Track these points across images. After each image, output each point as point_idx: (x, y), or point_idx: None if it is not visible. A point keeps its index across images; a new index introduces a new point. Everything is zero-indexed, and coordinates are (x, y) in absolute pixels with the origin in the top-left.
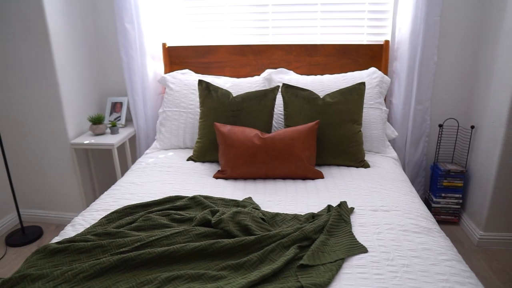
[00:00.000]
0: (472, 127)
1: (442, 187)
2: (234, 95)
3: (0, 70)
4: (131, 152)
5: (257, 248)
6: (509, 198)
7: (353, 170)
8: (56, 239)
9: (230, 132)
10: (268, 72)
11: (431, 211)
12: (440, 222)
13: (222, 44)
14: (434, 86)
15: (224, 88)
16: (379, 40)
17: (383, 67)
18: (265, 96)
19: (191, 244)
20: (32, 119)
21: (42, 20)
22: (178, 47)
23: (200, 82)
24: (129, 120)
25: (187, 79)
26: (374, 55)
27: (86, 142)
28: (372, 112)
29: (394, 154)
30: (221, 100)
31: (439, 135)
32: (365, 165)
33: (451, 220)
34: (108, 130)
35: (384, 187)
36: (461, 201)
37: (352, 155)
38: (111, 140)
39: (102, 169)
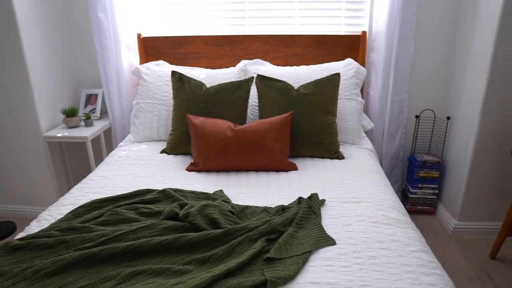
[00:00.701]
0: (448, 118)
1: (418, 177)
2: (208, 86)
3: None
4: (106, 144)
5: (224, 241)
6: (482, 189)
7: (327, 161)
8: (20, 235)
9: (202, 124)
10: (243, 63)
11: (408, 202)
12: (416, 212)
13: (198, 34)
14: (411, 78)
15: (199, 79)
16: (356, 31)
17: (360, 58)
18: (239, 88)
19: (157, 239)
20: (3, 111)
21: (10, 8)
22: (154, 38)
23: (173, 73)
24: (104, 112)
25: (161, 70)
26: (352, 46)
27: (59, 135)
28: (347, 103)
29: (369, 145)
30: (194, 91)
31: (416, 126)
32: (340, 157)
33: (428, 211)
34: (83, 123)
35: (358, 178)
36: (437, 191)
37: (326, 146)
38: (85, 133)
39: (77, 162)
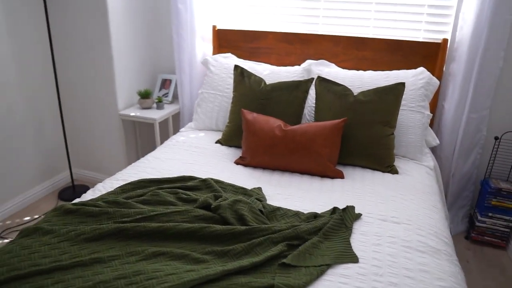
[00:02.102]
0: None
1: (490, 205)
2: (270, 83)
3: (63, 41)
4: (173, 128)
5: (245, 238)
6: None
7: (378, 174)
8: (77, 200)
9: (254, 120)
10: (308, 62)
11: (474, 230)
12: (484, 243)
13: (270, 30)
14: (495, 94)
15: (262, 75)
16: (437, 38)
17: (438, 68)
18: (297, 88)
19: (184, 225)
20: (88, 87)
21: None
22: (228, 31)
23: (236, 67)
24: (176, 97)
25: (227, 63)
26: (429, 54)
27: (132, 114)
28: (412, 115)
29: (431, 163)
30: (252, 87)
31: (495, 149)
32: (393, 171)
33: (498, 244)
34: (155, 105)
35: (405, 197)
36: (511, 224)
37: (379, 158)
38: (155, 115)
39: (147, 140)
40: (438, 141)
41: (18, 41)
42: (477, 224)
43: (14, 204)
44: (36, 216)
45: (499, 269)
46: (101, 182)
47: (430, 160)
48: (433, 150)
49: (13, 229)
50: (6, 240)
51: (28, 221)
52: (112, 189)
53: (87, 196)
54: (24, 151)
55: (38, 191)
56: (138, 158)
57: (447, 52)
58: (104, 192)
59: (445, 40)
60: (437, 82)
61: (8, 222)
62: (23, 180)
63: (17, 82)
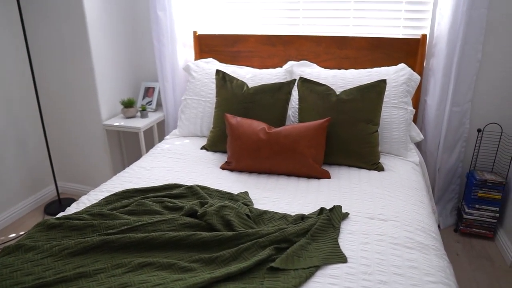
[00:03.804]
0: None
1: (476, 197)
2: (253, 86)
3: (43, 50)
4: (159, 136)
5: (233, 244)
6: None
7: (364, 172)
8: (61, 214)
9: (237, 124)
10: (290, 64)
11: (462, 223)
12: (472, 235)
13: (251, 33)
14: (475, 87)
15: (245, 79)
16: (416, 34)
17: (419, 63)
18: (279, 90)
19: (170, 234)
20: (70, 99)
21: (80, 4)
22: (208, 35)
23: (218, 72)
24: (160, 105)
25: (209, 68)
26: (410, 50)
27: (116, 124)
28: (395, 111)
29: (416, 158)
30: (234, 91)
31: (478, 141)
32: (379, 168)
33: (485, 235)
34: (139, 114)
35: (392, 194)
36: (498, 215)
37: (364, 156)
38: (139, 123)
39: (133, 150)
40: (422, 136)
41: None
42: (465, 216)
43: None
44: (22, 233)
45: (488, 260)
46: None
47: (415, 156)
48: (418, 145)
49: None
50: None
51: (14, 238)
52: (97, 201)
53: (71, 209)
54: (7, 166)
55: (23, 206)
56: (124, 168)
57: (426, 47)
58: (88, 204)
59: (424, 36)
60: (418, 77)
61: None
62: (7, 196)
63: None
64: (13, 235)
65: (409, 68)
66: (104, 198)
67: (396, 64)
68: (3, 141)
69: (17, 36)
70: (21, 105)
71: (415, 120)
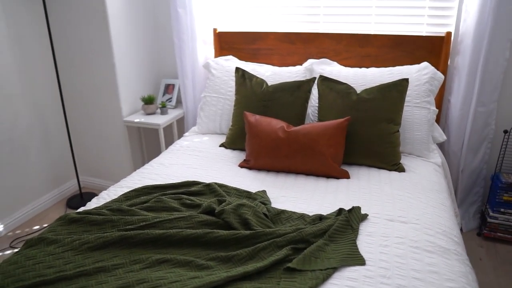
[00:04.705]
0: None
1: (501, 201)
2: (272, 84)
3: (67, 47)
4: (178, 132)
5: (250, 243)
6: None
7: (384, 173)
8: (81, 209)
9: (256, 122)
10: (310, 62)
11: (486, 227)
12: (496, 240)
13: (271, 31)
14: (503, 86)
15: (264, 77)
16: (440, 31)
17: (443, 62)
18: (299, 88)
19: (187, 231)
20: (92, 95)
21: (102, 2)
22: (228, 33)
23: (237, 69)
24: (180, 102)
25: (229, 66)
26: (433, 48)
27: (136, 120)
28: (417, 111)
29: (438, 159)
30: (254, 89)
31: (504, 142)
32: (400, 169)
33: (511, 240)
34: (159, 110)
35: (412, 195)
36: None
37: (385, 156)
38: (159, 120)
39: (152, 146)
40: (445, 137)
41: (21, 52)
42: (489, 220)
43: (24, 214)
44: (45, 225)
45: None
46: (107, 189)
47: (437, 157)
48: (440, 146)
49: (22, 239)
50: (15, 250)
51: (37, 230)
52: (116, 197)
53: (92, 204)
54: (32, 161)
55: (46, 200)
56: (144, 164)
57: (451, 45)
58: (108, 199)
59: (449, 34)
60: (442, 76)
61: (17, 231)
62: (32, 190)
63: (21, 93)
64: (37, 227)
65: (432, 67)
66: (123, 194)
67: (418, 63)
68: (29, 136)
69: (42, 33)
70: (45, 101)
71: (437, 120)
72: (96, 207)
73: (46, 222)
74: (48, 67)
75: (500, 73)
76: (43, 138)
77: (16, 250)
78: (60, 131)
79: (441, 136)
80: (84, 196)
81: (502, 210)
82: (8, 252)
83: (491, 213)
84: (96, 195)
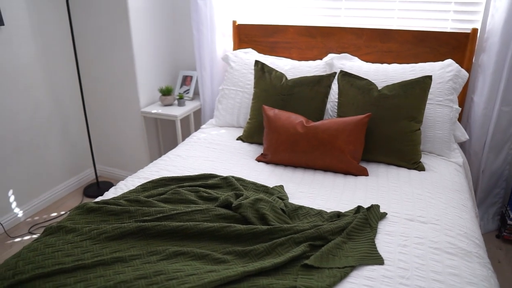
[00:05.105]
0: None
1: None
2: (291, 78)
3: (85, 40)
4: (195, 124)
5: (267, 238)
6: None
7: (403, 171)
8: (99, 198)
9: (275, 116)
10: (330, 56)
11: (506, 229)
12: None
13: (290, 24)
14: None
15: (283, 70)
16: (466, 28)
17: (467, 59)
18: (319, 82)
19: (205, 224)
20: (111, 85)
21: None
22: (247, 25)
23: (257, 62)
24: (197, 94)
25: (248, 59)
26: (458, 45)
27: (153, 111)
28: (439, 109)
29: (459, 159)
30: (273, 82)
31: None
32: (419, 168)
33: None
34: (176, 102)
35: (433, 195)
36: None
37: (405, 154)
38: (176, 111)
39: (169, 137)
40: (467, 136)
41: (43, 41)
42: (509, 222)
43: (42, 201)
44: (63, 212)
45: None
46: (123, 179)
47: (458, 156)
48: (461, 145)
49: (41, 225)
50: (34, 236)
51: (55, 217)
52: (134, 187)
53: (109, 194)
54: (51, 149)
55: (64, 187)
56: (160, 155)
57: (476, 42)
58: (126, 190)
59: (475, 30)
60: (466, 74)
61: (36, 218)
62: (50, 177)
63: (43, 83)
64: (54, 214)
65: (457, 64)
66: (140, 185)
67: (441, 60)
68: (49, 125)
69: (63, 24)
70: (65, 91)
71: (459, 118)
72: (114, 197)
73: (64, 209)
74: (68, 57)
75: None
76: (62, 127)
77: (34, 236)
78: (78, 121)
79: (463, 136)
80: (100, 185)
81: None
82: (27, 237)
83: (511, 215)
84: (113, 184)
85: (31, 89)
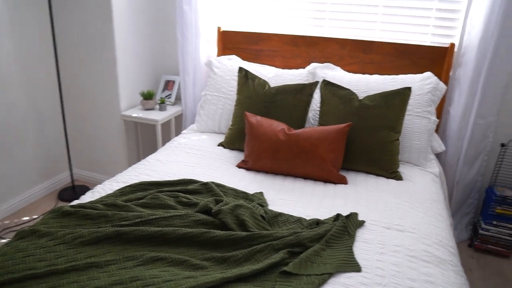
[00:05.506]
0: None
1: (494, 213)
2: (274, 86)
3: (66, 41)
4: (176, 129)
5: (246, 245)
6: None
7: (382, 180)
8: (75, 202)
9: (257, 123)
10: (313, 66)
11: (478, 238)
12: (487, 252)
13: (275, 32)
14: (503, 100)
15: (266, 78)
16: (444, 42)
17: (444, 72)
18: (302, 91)
19: (183, 230)
20: (91, 87)
21: None
22: (232, 32)
23: (240, 69)
24: (179, 99)
25: (232, 65)
26: (437, 58)
27: (134, 115)
28: (417, 120)
29: (436, 169)
30: (256, 89)
31: (500, 156)
32: (397, 177)
33: (501, 253)
34: (157, 106)
35: (410, 204)
36: None
37: (384, 164)
38: (157, 116)
39: (149, 142)
40: (444, 147)
41: (22, 40)
42: (481, 232)
43: (13, 204)
44: (35, 216)
45: (503, 278)
46: (101, 183)
47: (435, 167)
48: (438, 156)
49: (12, 229)
50: (3, 240)
51: (27, 221)
52: (112, 191)
53: (86, 198)
54: (25, 150)
55: (37, 191)
56: (139, 160)
57: (454, 57)
58: (103, 194)
59: (452, 45)
60: (444, 87)
61: (6, 221)
62: (23, 180)
63: (19, 81)
64: (26, 218)
65: (436, 77)
66: (119, 189)
67: (421, 72)
68: (23, 124)
69: (43, 22)
70: (42, 90)
71: (436, 130)
72: (91, 201)
73: (36, 213)
74: (48, 57)
75: (502, 87)
76: (38, 128)
77: (4, 240)
78: (55, 122)
79: (440, 147)
80: (76, 189)
81: (494, 222)
82: None
83: (483, 225)
84: (89, 188)
85: (6, 88)
